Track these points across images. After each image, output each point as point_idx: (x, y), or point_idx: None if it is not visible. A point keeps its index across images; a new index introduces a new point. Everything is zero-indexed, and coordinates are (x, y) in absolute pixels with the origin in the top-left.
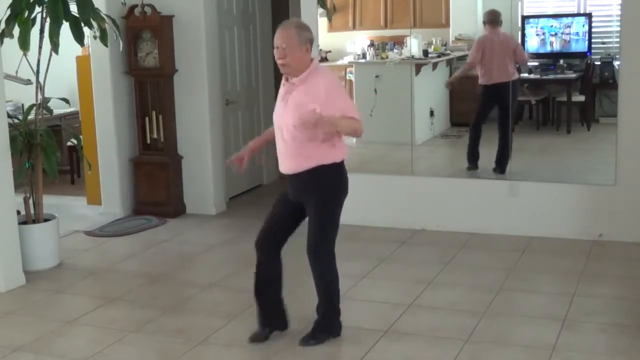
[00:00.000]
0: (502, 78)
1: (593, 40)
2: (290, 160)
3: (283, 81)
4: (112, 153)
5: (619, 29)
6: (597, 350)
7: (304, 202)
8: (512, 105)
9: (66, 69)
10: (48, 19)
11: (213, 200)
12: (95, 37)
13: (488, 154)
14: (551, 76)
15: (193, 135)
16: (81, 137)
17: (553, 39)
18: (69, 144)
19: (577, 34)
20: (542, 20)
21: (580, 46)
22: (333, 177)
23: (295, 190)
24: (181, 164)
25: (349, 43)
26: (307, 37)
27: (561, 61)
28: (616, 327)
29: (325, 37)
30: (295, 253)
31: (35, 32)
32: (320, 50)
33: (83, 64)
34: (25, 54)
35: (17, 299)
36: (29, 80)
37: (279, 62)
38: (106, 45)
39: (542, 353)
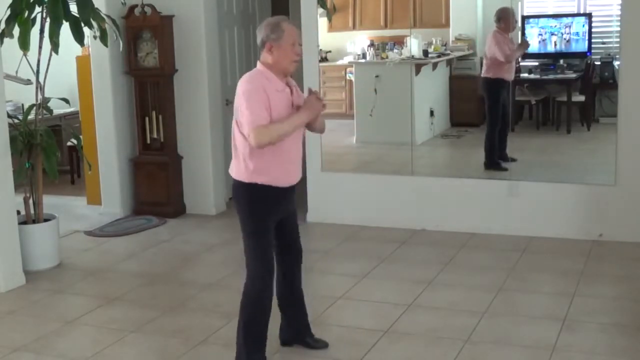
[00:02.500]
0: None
1: (593, 40)
2: (300, 165)
3: (280, 86)
4: (112, 153)
5: (619, 29)
6: (597, 350)
7: (288, 212)
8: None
9: (66, 69)
10: (48, 19)
11: (213, 200)
12: (95, 37)
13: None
14: (551, 76)
15: (193, 135)
16: (81, 137)
17: (553, 38)
18: (69, 144)
19: (577, 34)
20: (542, 20)
21: (580, 46)
22: None
23: (290, 200)
24: (181, 164)
25: (349, 43)
26: None
27: (561, 61)
28: (616, 327)
29: (325, 37)
30: None
31: (35, 32)
32: (320, 50)
33: (83, 64)
34: (25, 54)
35: (17, 299)
36: (29, 80)
37: (297, 59)
38: (106, 45)
39: (542, 353)
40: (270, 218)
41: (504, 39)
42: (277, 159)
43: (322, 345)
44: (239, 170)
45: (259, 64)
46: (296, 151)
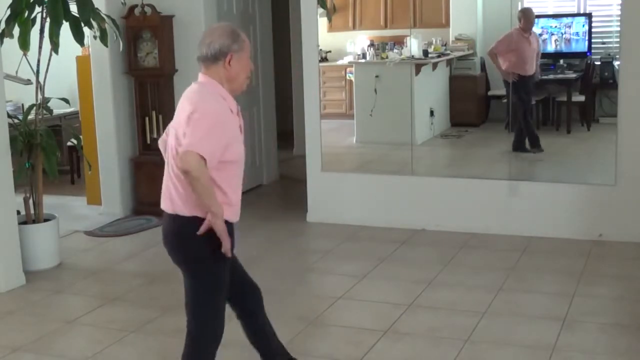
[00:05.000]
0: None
1: (593, 40)
2: None
3: (234, 107)
4: (112, 153)
5: (619, 29)
6: (597, 350)
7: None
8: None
9: (66, 69)
10: (48, 19)
11: None
12: (95, 37)
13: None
14: (551, 76)
15: None
16: (81, 137)
17: (553, 38)
18: (69, 144)
19: (577, 34)
20: (542, 20)
21: (580, 46)
22: None
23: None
24: None
25: (349, 43)
26: None
27: (561, 61)
28: (616, 327)
29: (325, 37)
30: (289, 254)
31: (35, 32)
32: (320, 50)
33: (83, 64)
34: (25, 54)
35: (17, 299)
36: (29, 80)
37: (250, 75)
38: (106, 45)
39: (542, 353)
40: (227, 261)
41: (515, 38)
42: (236, 191)
43: None
44: (188, 203)
45: (207, 79)
46: (240, 187)
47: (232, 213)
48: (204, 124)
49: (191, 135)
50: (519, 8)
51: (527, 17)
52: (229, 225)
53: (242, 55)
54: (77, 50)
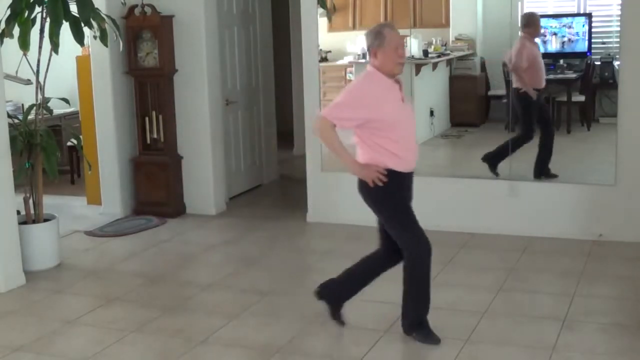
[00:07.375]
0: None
1: (593, 40)
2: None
3: (390, 84)
4: (112, 153)
5: (619, 29)
6: (597, 350)
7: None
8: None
9: (66, 69)
10: (48, 19)
11: (213, 200)
12: (95, 37)
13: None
14: (551, 76)
15: (193, 135)
16: (81, 137)
17: (553, 39)
18: (69, 144)
19: (577, 34)
20: (542, 20)
21: (580, 46)
22: None
23: (410, 186)
24: (181, 164)
25: (349, 43)
26: None
27: (561, 61)
28: (616, 327)
29: (325, 37)
30: (289, 254)
31: (35, 32)
32: (320, 50)
33: (83, 64)
34: (25, 54)
35: (17, 299)
36: (29, 80)
37: (401, 61)
38: (106, 45)
39: (542, 353)
40: (405, 200)
41: (529, 47)
42: (403, 147)
43: None
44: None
45: (369, 66)
46: (413, 143)
47: (401, 164)
48: (344, 97)
49: (330, 104)
50: (519, 8)
51: (536, 22)
52: (400, 174)
53: (385, 49)
54: (77, 50)
